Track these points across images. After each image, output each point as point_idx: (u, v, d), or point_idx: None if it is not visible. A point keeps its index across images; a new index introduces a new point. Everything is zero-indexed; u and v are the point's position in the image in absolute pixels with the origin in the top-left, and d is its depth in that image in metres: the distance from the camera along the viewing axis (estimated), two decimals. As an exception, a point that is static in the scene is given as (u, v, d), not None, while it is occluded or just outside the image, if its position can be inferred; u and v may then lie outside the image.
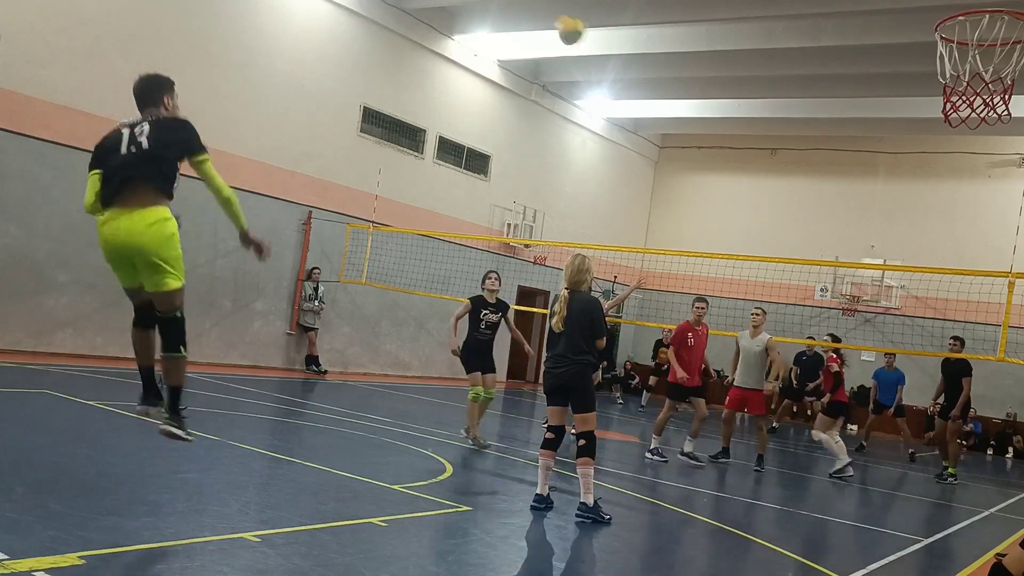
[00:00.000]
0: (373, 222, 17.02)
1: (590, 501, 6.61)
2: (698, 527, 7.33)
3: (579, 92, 22.57)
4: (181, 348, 5.10)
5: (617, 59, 19.53)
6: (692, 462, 10.81)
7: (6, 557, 3.97)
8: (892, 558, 7.06)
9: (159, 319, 5.11)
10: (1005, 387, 21.00)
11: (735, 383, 11.57)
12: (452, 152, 19.91)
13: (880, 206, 23.64)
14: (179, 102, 5.39)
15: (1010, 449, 20.16)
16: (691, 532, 7.19)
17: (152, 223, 4.91)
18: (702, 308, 11.05)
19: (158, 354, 5.26)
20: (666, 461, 10.66)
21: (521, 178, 21.88)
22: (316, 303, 16.34)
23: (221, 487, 6.23)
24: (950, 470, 12.84)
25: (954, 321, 18.37)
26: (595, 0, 17.04)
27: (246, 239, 5.30)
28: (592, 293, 7.25)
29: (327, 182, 16.97)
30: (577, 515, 6.61)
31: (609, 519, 6.66)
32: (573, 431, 7.14)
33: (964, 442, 14.27)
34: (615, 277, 24.30)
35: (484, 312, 9.76)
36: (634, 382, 25.12)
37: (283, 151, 16.10)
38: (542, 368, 7.74)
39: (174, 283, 4.99)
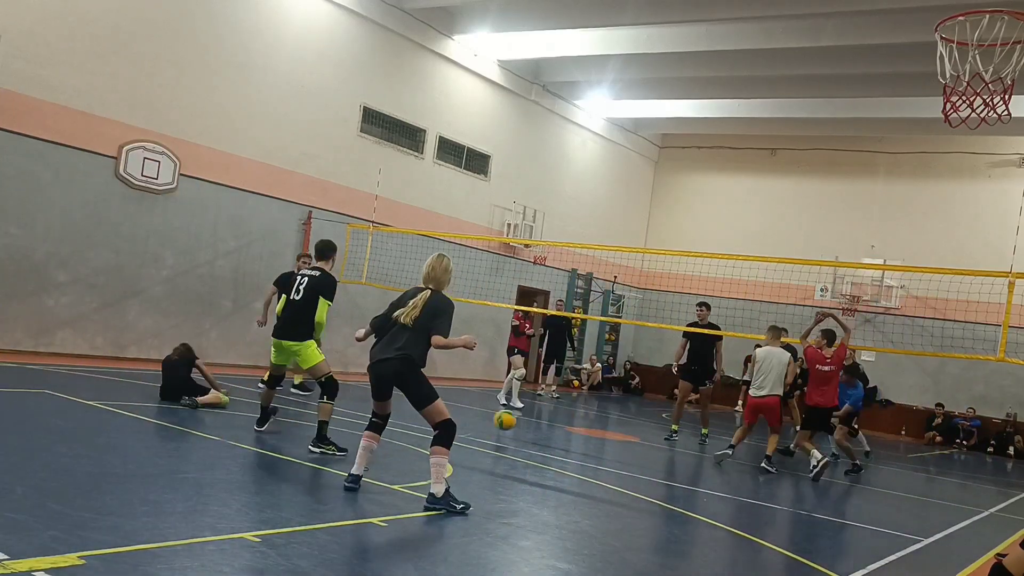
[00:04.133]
0: (373, 222, 17.01)
1: None
2: (698, 527, 7.33)
3: (579, 92, 22.56)
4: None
5: (617, 59, 19.53)
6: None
7: (6, 557, 3.97)
8: (892, 558, 7.05)
9: None
10: (1005, 387, 21.01)
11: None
12: (452, 152, 19.91)
13: (880, 206, 23.63)
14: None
15: (1010, 449, 20.15)
16: (691, 532, 7.19)
17: (297, 350, 8.39)
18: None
19: None
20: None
21: (521, 178, 21.87)
22: (316, 303, 16.32)
23: (221, 487, 6.23)
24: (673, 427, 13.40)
25: (954, 321, 18.36)
26: (595, 0, 17.07)
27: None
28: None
29: (327, 182, 16.97)
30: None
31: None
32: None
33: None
34: (615, 277, 24.33)
35: None
36: (634, 382, 25.14)
37: (283, 151, 16.09)
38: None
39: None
